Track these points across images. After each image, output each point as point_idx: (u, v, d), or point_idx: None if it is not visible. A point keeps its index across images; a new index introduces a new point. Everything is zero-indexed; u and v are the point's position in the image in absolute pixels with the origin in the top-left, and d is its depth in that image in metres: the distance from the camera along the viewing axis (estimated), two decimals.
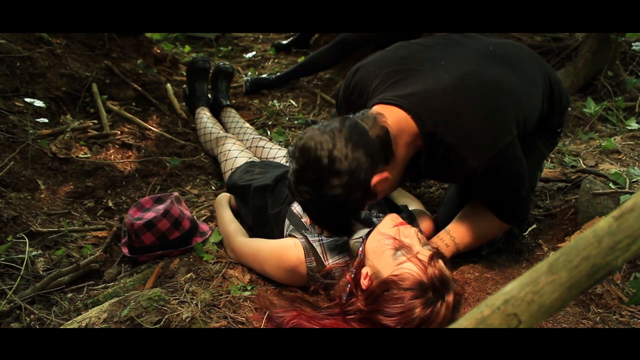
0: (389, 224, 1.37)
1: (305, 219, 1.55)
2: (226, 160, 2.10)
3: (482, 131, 1.30)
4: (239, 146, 2.19)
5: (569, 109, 1.73)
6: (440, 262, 1.27)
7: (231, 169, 2.03)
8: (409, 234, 1.33)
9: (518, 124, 1.35)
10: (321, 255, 1.45)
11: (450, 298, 1.25)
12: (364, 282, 1.30)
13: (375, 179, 1.25)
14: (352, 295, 1.31)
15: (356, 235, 1.48)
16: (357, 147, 1.21)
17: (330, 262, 1.44)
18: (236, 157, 2.08)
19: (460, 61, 1.40)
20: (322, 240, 1.47)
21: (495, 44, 1.50)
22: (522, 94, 1.39)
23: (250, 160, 2.06)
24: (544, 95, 1.50)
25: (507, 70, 1.41)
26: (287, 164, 1.33)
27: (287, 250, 1.48)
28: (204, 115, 2.50)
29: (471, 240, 1.52)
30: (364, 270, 1.32)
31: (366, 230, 1.46)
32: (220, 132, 2.36)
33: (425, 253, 1.27)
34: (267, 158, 2.13)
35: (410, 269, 1.24)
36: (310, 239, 1.47)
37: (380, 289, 1.25)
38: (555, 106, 1.57)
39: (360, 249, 1.38)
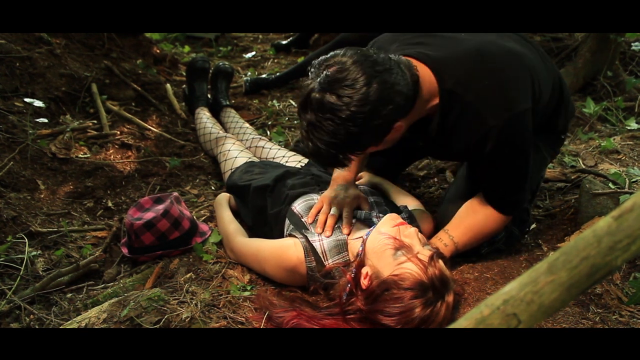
0: (389, 223, 1.37)
1: (306, 219, 1.55)
2: (226, 160, 2.10)
3: (503, 94, 1.32)
4: (239, 146, 2.19)
5: None
6: (441, 262, 1.27)
7: (231, 169, 2.03)
8: (409, 234, 1.33)
9: (534, 96, 1.37)
10: (321, 255, 1.45)
11: (450, 298, 1.25)
12: (364, 282, 1.30)
13: (398, 123, 1.25)
14: (352, 295, 1.31)
15: (356, 235, 1.48)
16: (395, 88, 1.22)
17: (330, 261, 1.44)
18: (236, 157, 2.08)
19: (480, 35, 1.42)
20: (322, 240, 1.47)
21: (511, 34, 1.53)
22: (538, 69, 1.42)
23: (250, 160, 2.06)
24: (554, 89, 1.52)
25: (524, 48, 1.44)
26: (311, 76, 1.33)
27: (287, 250, 1.48)
28: (204, 116, 2.50)
29: (470, 239, 1.52)
30: (364, 270, 1.32)
31: (366, 230, 1.46)
32: (220, 132, 2.36)
33: (425, 253, 1.27)
34: (266, 158, 2.13)
35: (410, 269, 1.24)
36: (310, 239, 1.47)
37: (380, 288, 1.25)
38: (562, 108, 1.58)
39: (360, 248, 1.38)
